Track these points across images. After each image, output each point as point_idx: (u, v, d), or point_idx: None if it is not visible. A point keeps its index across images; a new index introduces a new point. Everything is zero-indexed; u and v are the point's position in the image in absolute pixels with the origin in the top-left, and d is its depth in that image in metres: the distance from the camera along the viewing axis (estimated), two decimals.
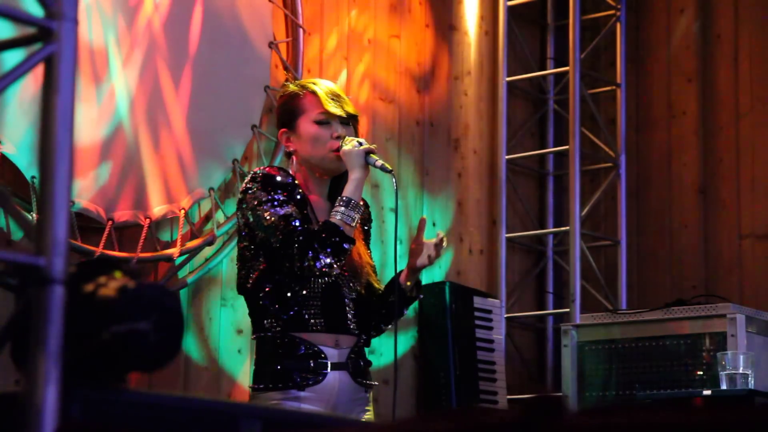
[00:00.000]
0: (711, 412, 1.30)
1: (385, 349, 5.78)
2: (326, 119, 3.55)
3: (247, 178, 3.50)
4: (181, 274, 4.95)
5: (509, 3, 6.62)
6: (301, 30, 5.48)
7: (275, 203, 3.41)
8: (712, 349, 5.21)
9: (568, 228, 6.36)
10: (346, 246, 3.40)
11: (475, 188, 6.43)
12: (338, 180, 3.59)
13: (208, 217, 5.06)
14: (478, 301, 6.14)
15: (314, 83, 3.61)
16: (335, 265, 3.39)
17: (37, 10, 1.76)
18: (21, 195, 4.40)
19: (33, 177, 4.34)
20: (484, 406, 5.89)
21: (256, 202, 3.43)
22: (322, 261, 3.36)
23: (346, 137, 3.53)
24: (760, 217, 6.29)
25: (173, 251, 4.86)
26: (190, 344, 4.95)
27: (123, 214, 4.72)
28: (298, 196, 3.48)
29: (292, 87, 3.65)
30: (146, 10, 4.85)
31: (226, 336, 5.08)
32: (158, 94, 4.86)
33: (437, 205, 6.19)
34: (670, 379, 5.33)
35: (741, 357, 4.81)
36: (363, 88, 5.86)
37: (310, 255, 3.34)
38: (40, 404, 1.61)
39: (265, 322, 3.44)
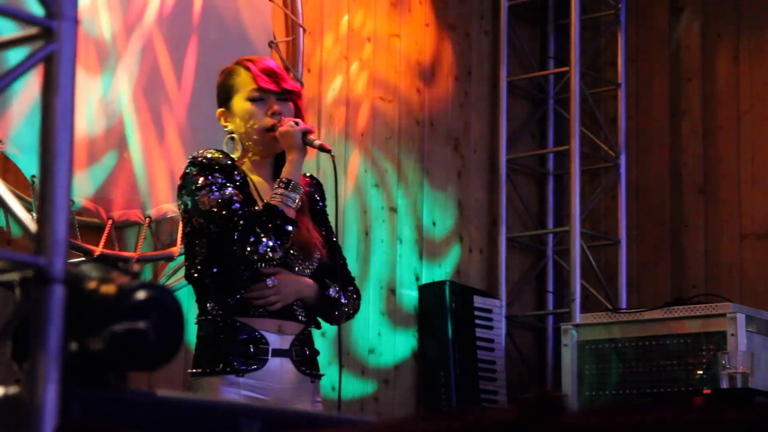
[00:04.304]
0: (711, 411, 1.30)
1: (385, 349, 5.79)
2: (260, 96, 3.42)
3: (187, 163, 3.39)
4: (181, 273, 4.95)
5: (509, 2, 6.62)
6: (301, 29, 5.48)
7: (214, 187, 3.30)
8: (712, 348, 5.21)
9: (568, 228, 6.36)
10: (288, 228, 3.28)
11: (475, 188, 6.43)
12: (282, 160, 3.45)
13: None
14: (478, 301, 6.14)
15: (250, 60, 3.49)
16: (278, 249, 3.28)
17: (37, 10, 1.76)
18: (21, 195, 4.40)
19: (33, 176, 4.34)
20: (484, 405, 5.89)
21: (194, 187, 3.32)
22: (264, 245, 3.25)
23: (282, 118, 3.40)
24: (760, 217, 6.29)
25: (173, 250, 4.86)
26: (190, 344, 4.95)
27: (123, 213, 4.72)
28: (239, 178, 3.36)
29: (229, 66, 3.53)
30: (145, 9, 4.85)
31: None
32: (159, 92, 4.86)
33: (437, 205, 6.19)
34: (670, 379, 5.33)
35: (741, 356, 4.81)
36: (363, 88, 5.87)
37: (252, 239, 3.24)
38: (40, 404, 1.61)
39: (209, 306, 3.32)
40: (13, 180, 4.42)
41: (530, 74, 6.81)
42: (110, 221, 4.67)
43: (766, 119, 6.36)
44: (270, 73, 3.44)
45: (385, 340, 5.77)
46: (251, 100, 3.43)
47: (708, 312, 5.29)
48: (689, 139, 6.56)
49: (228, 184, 3.32)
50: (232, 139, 3.46)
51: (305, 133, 3.36)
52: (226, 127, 3.48)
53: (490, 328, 6.16)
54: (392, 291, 5.87)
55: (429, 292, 5.99)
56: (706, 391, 4.93)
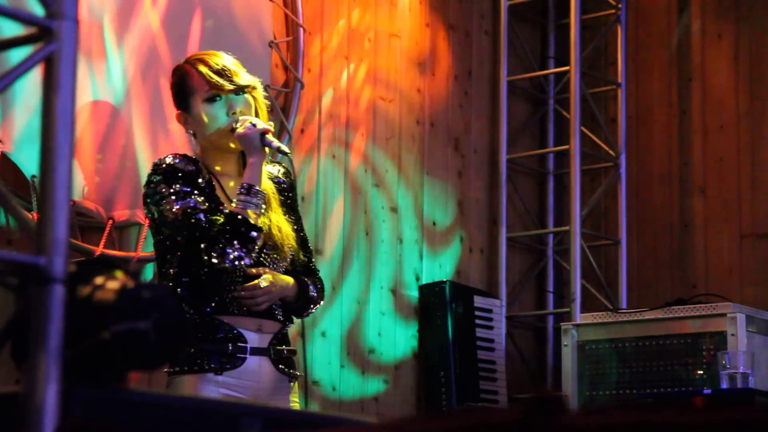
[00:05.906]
0: (711, 411, 1.30)
1: (386, 349, 5.78)
2: (216, 95, 3.34)
3: (150, 170, 3.33)
4: None
5: (510, 2, 6.62)
6: (301, 29, 5.48)
7: (178, 196, 3.25)
8: (712, 348, 5.22)
9: (568, 227, 6.36)
10: (253, 234, 3.23)
11: (476, 188, 6.43)
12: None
13: None
14: (478, 301, 6.14)
15: (201, 59, 3.40)
16: (245, 257, 3.24)
17: (37, 10, 1.76)
18: (21, 194, 4.40)
19: (33, 176, 4.34)
20: (484, 405, 5.89)
21: (158, 197, 3.27)
22: (230, 255, 3.20)
23: (240, 118, 3.32)
24: (760, 217, 6.29)
25: None
26: None
27: (123, 213, 4.72)
28: (203, 183, 3.31)
29: (180, 65, 3.45)
30: (145, 9, 4.85)
31: None
32: (158, 92, 4.86)
33: (437, 205, 6.19)
34: (671, 379, 5.33)
35: (741, 356, 4.81)
36: (363, 88, 5.87)
37: (218, 251, 3.19)
38: (40, 404, 1.61)
39: (184, 305, 3.24)
40: (13, 180, 4.42)
41: (530, 74, 6.81)
42: (110, 221, 4.67)
43: (766, 119, 6.36)
44: (222, 71, 3.35)
45: (385, 340, 5.77)
46: (207, 101, 3.35)
47: (708, 312, 5.29)
48: (689, 139, 6.56)
49: (192, 192, 3.27)
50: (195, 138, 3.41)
51: (263, 134, 3.29)
52: (186, 129, 3.41)
53: (491, 328, 6.16)
54: (392, 291, 5.87)
55: (429, 292, 5.99)
56: (707, 391, 4.93)
